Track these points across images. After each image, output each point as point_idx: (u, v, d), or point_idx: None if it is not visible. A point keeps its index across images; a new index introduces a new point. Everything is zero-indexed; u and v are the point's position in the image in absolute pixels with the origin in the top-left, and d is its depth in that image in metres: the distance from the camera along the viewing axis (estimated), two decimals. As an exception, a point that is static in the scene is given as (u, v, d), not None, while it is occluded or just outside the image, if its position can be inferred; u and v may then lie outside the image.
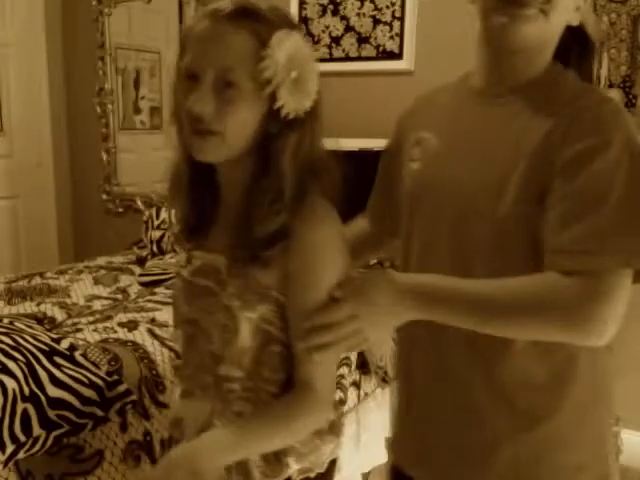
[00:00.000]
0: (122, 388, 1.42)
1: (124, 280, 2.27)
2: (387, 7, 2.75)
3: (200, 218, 0.96)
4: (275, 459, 0.91)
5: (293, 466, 0.92)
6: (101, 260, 2.60)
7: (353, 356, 1.96)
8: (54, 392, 1.34)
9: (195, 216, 0.96)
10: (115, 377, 1.44)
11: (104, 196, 3.71)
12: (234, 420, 0.90)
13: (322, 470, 0.95)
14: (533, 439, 0.89)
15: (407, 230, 1.01)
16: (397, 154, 1.08)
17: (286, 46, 0.81)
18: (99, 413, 1.36)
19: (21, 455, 1.25)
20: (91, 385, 1.38)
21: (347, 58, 2.87)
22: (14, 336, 1.51)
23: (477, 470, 0.93)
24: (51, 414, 1.30)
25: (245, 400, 0.91)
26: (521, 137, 0.86)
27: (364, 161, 2.64)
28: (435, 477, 0.99)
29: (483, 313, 0.82)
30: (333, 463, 0.99)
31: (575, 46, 0.95)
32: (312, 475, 0.94)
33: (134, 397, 1.43)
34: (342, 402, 1.90)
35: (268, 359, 0.90)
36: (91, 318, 1.81)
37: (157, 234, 2.46)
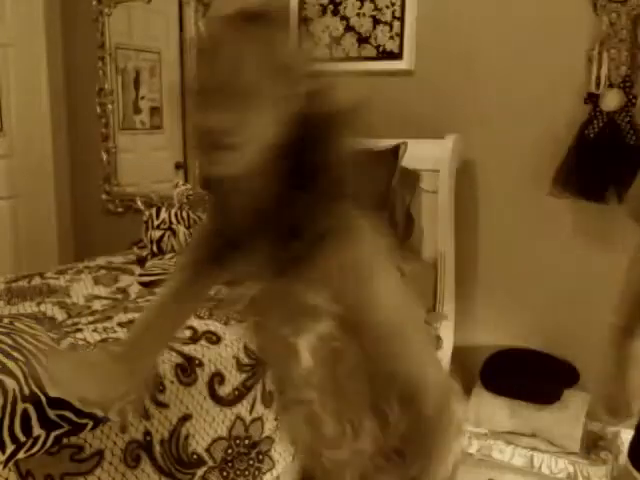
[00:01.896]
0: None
1: (124, 280, 2.27)
2: (387, 7, 2.75)
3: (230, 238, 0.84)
4: None
5: None
6: (101, 260, 2.60)
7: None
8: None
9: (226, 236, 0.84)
10: (115, 377, 1.43)
11: (104, 196, 3.71)
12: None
13: None
14: None
15: None
16: None
17: None
18: (99, 413, 1.36)
19: (21, 455, 1.25)
20: (91, 385, 1.38)
21: (347, 58, 2.87)
22: (14, 336, 1.51)
23: None
24: (51, 414, 1.29)
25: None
26: None
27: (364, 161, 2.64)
28: None
29: None
30: None
31: None
32: None
33: (134, 397, 1.43)
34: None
35: (348, 374, 0.84)
36: (91, 318, 1.81)
37: (157, 234, 2.46)
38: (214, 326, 1.67)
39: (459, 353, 2.72)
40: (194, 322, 1.66)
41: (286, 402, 0.91)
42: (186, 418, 1.45)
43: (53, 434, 1.28)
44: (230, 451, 1.54)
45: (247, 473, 1.56)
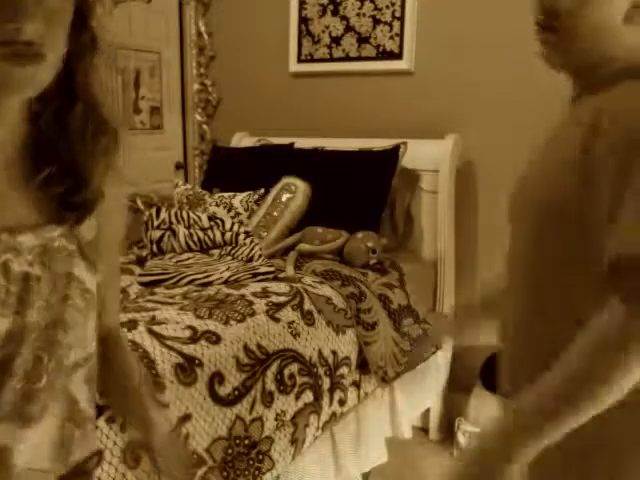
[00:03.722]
0: (122, 388, 1.42)
1: (124, 280, 2.27)
2: (387, 7, 2.75)
3: None
4: None
5: None
6: (101, 260, 2.59)
7: (353, 356, 1.96)
8: (54, 392, 1.33)
9: None
10: (115, 377, 1.43)
11: (104, 196, 3.71)
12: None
13: None
14: None
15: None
16: None
17: None
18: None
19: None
20: (91, 385, 1.38)
21: (347, 58, 2.87)
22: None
23: None
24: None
25: None
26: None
27: (364, 161, 2.65)
28: None
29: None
30: None
31: None
32: None
33: (134, 397, 1.43)
34: (342, 402, 1.90)
35: None
36: (91, 318, 1.80)
37: (157, 234, 2.46)
38: (214, 326, 1.67)
39: (459, 353, 2.72)
40: (194, 322, 1.66)
41: None
42: (186, 418, 1.45)
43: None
44: (230, 451, 1.54)
45: (247, 473, 1.56)
